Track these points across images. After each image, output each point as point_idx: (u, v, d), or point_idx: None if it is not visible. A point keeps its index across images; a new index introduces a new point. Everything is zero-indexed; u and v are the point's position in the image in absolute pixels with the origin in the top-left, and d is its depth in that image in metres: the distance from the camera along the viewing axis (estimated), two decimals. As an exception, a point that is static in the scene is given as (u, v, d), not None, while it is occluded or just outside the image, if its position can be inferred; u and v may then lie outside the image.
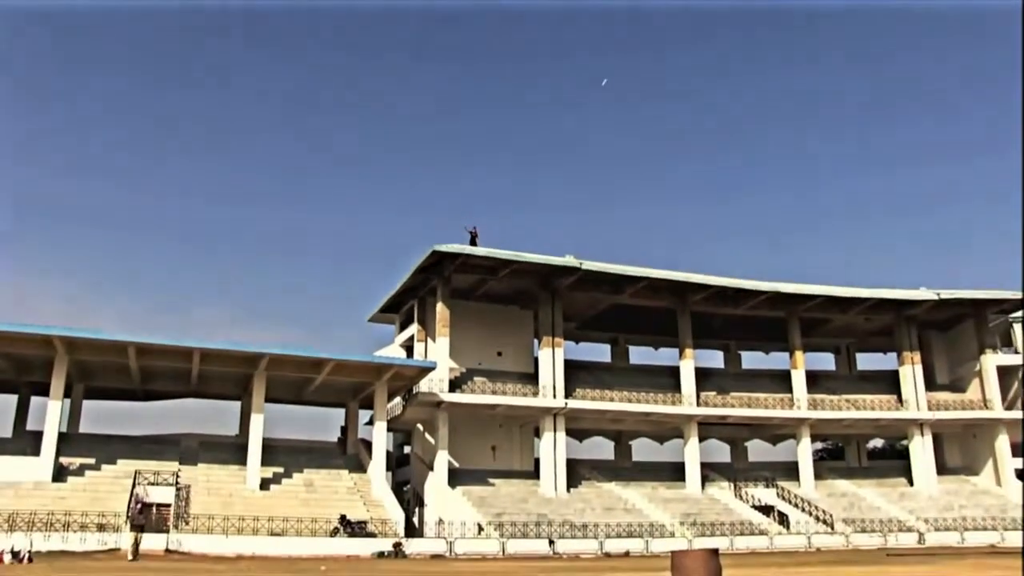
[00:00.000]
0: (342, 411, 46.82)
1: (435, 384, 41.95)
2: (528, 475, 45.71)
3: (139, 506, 32.46)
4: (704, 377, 51.01)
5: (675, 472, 48.73)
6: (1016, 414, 51.00)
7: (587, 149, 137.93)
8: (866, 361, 60.45)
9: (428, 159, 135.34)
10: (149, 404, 46.91)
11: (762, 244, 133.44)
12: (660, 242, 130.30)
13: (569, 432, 46.41)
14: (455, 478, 42.13)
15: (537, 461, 45.78)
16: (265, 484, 37.77)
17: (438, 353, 43.58)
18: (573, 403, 45.02)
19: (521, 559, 31.87)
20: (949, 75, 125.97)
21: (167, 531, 32.14)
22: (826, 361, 60.31)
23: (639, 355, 56.52)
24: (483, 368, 46.07)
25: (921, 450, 51.18)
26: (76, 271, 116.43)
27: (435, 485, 41.61)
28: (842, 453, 61.23)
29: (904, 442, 55.13)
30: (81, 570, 18.71)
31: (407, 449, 48.92)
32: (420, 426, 45.77)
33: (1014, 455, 51.07)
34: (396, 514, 37.28)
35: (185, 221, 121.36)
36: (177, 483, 36.13)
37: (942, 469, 52.41)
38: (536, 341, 48.01)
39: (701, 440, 48.99)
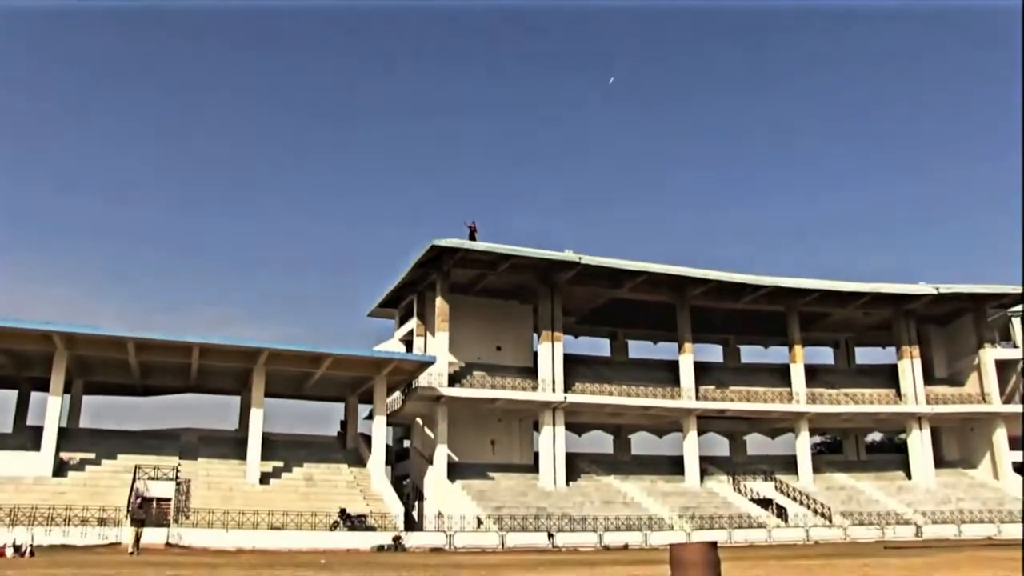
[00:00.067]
0: (342, 405, 46.91)
1: (434, 378, 42.02)
2: (527, 469, 45.82)
3: (139, 500, 32.54)
4: (703, 371, 51.11)
5: (674, 466, 48.87)
6: (1014, 408, 51.14)
7: (587, 148, 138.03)
8: (865, 355, 60.68)
9: (428, 156, 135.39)
10: (149, 399, 46.99)
11: (761, 239, 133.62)
12: (659, 237, 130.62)
13: (568, 426, 46.51)
14: (454, 472, 42.24)
15: (536, 455, 45.88)
16: (265, 478, 37.87)
17: (437, 347, 43.64)
18: (572, 397, 45.10)
19: (520, 552, 31.94)
20: (949, 75, 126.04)
21: (167, 525, 32.26)
22: (825, 355, 60.52)
23: (638, 349, 56.68)
24: (482, 362, 46.16)
25: (919, 444, 51.31)
26: (75, 279, 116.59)
27: (434, 479, 41.71)
28: (840, 447, 61.40)
29: (902, 436, 55.29)
30: (82, 564, 18.78)
31: (407, 443, 49.02)
32: (419, 420, 45.86)
33: (1012, 448, 51.21)
34: (396, 508, 37.39)
35: (185, 219, 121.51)
36: (177, 478, 36.24)
37: (940, 462, 52.56)
38: (535, 335, 48.08)
39: (700, 434, 49.11)
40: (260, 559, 23.74)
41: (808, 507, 45.67)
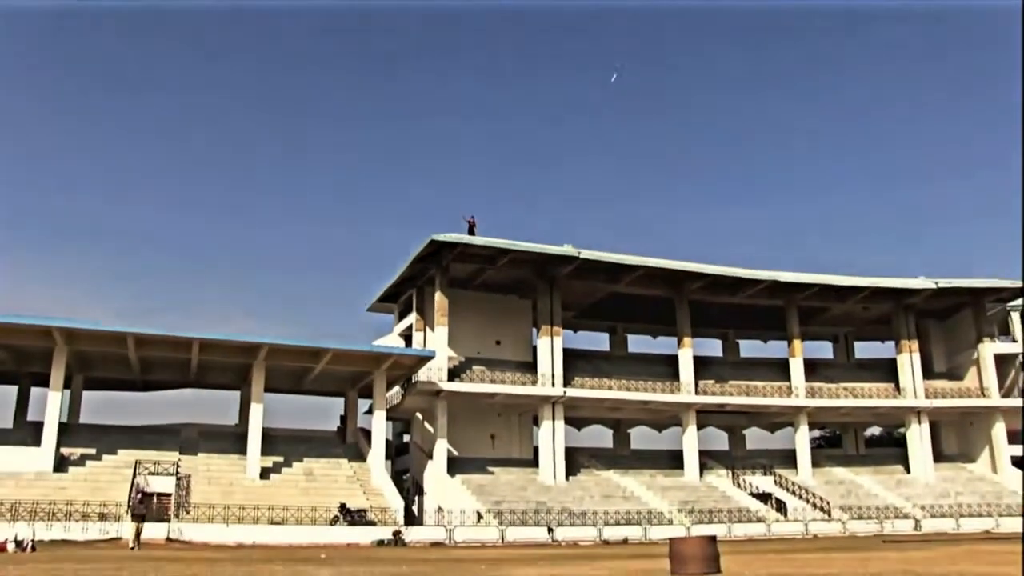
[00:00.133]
0: (341, 400, 46.97)
1: (434, 373, 42.06)
2: (527, 463, 45.90)
3: (139, 496, 32.61)
4: (702, 365, 51.16)
5: (673, 460, 48.94)
6: (1013, 402, 51.19)
7: (587, 148, 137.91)
8: (864, 349, 60.73)
9: (428, 156, 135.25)
10: (149, 394, 47.04)
11: (761, 240, 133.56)
12: (659, 238, 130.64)
13: (568, 420, 46.58)
14: (454, 466, 42.31)
15: (536, 449, 45.97)
16: (265, 473, 37.94)
17: (437, 342, 43.68)
18: (572, 391, 45.17)
19: (520, 547, 32.04)
20: (949, 75, 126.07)
21: (168, 520, 32.33)
22: (824, 349, 60.54)
23: (637, 344, 56.72)
24: (482, 357, 46.19)
25: (918, 438, 51.39)
26: (76, 279, 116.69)
27: (434, 473, 41.79)
28: (840, 441, 61.48)
29: (901, 430, 55.36)
30: (83, 559, 18.84)
31: (406, 438, 49.09)
32: (419, 415, 45.92)
33: (1010, 443, 51.30)
34: (396, 502, 37.47)
35: (184, 220, 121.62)
36: (177, 473, 36.31)
37: (939, 457, 52.65)
38: (535, 330, 48.12)
39: (699, 428, 49.17)
40: (260, 554, 23.81)
41: (807, 501, 45.78)
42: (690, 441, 48.01)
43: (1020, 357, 53.63)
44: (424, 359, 41.14)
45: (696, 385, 48.83)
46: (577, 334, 55.02)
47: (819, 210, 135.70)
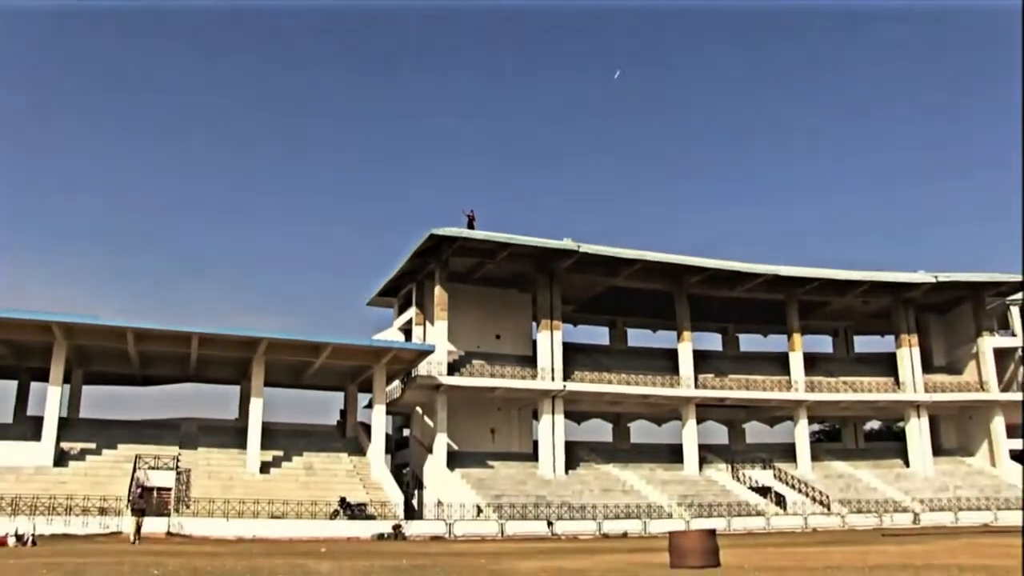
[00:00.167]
0: (341, 394, 47.00)
1: (434, 367, 42.08)
2: (527, 457, 45.95)
3: (139, 490, 32.64)
4: (702, 359, 51.20)
5: (673, 454, 49.01)
6: (1012, 396, 51.28)
7: (587, 148, 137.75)
8: (864, 344, 60.81)
9: (428, 156, 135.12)
10: (148, 389, 47.06)
11: (761, 234, 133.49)
12: (658, 236, 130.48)
13: (567, 414, 46.60)
14: (454, 460, 42.36)
15: (536, 443, 46.01)
16: (265, 467, 37.99)
17: (436, 336, 43.69)
18: (571, 386, 45.19)
19: (520, 540, 32.07)
20: (948, 75, 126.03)
21: (168, 515, 32.37)
22: (824, 344, 60.61)
23: (637, 338, 56.77)
24: (482, 351, 46.22)
25: (917, 432, 51.45)
26: (75, 278, 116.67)
27: (434, 468, 41.83)
28: (839, 435, 61.58)
29: (901, 424, 55.44)
30: (84, 553, 18.86)
31: (406, 432, 49.13)
32: (419, 409, 45.95)
33: (1009, 436, 51.37)
34: (395, 496, 37.52)
35: (184, 220, 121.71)
36: (177, 467, 36.35)
37: (938, 450, 52.74)
38: (534, 324, 48.14)
39: (699, 422, 49.24)
40: (261, 548, 23.84)
41: (806, 495, 45.84)
42: (690, 435, 48.06)
43: (1020, 351, 53.66)
44: (424, 353, 41.16)
45: (696, 379, 48.87)
46: (577, 328, 55.15)
47: (819, 210, 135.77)
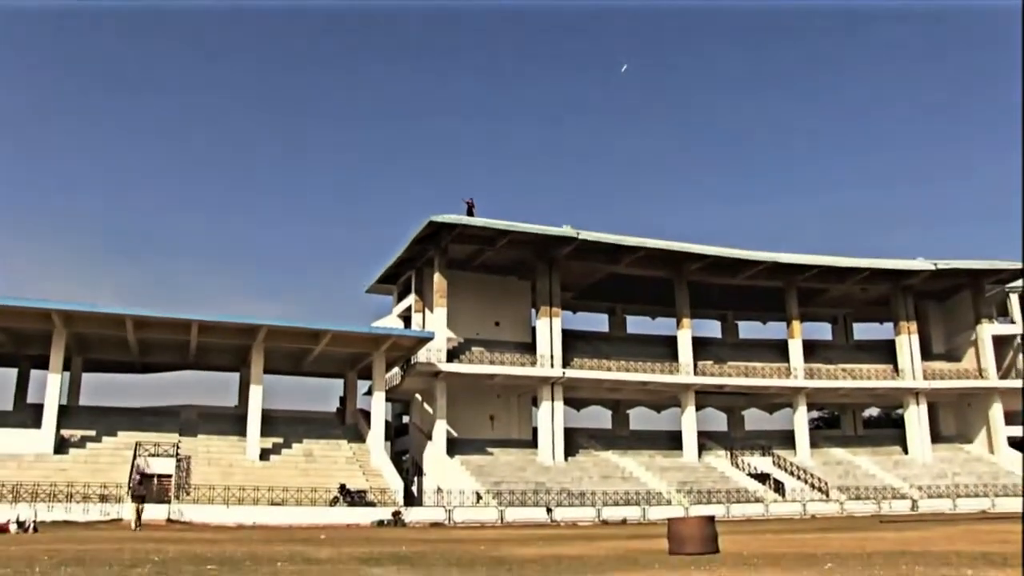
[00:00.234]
0: (341, 382, 47.05)
1: (433, 354, 42.10)
2: (526, 444, 46.04)
3: (139, 477, 32.73)
4: (701, 346, 51.24)
5: (672, 441, 49.11)
6: (1011, 383, 51.34)
7: (587, 148, 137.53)
8: (863, 331, 60.86)
9: (428, 156, 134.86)
10: (148, 376, 47.09)
11: (760, 230, 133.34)
12: (656, 226, 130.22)
13: (567, 401, 46.67)
14: (453, 447, 42.44)
15: (535, 430, 46.09)
16: (265, 454, 38.05)
17: (436, 323, 43.70)
18: (571, 372, 45.23)
19: (519, 527, 32.16)
20: (948, 75, 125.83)
21: (168, 501, 32.45)
22: (823, 331, 60.65)
23: (636, 325, 56.80)
24: (481, 338, 46.24)
25: (916, 419, 51.56)
26: (73, 277, 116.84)
27: (434, 454, 41.92)
28: (838, 422, 61.71)
29: (899, 411, 55.55)
30: (85, 540, 18.91)
31: (406, 419, 49.20)
32: (418, 396, 46.01)
33: (1008, 424, 51.46)
34: (395, 483, 37.61)
35: (184, 219, 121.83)
36: (177, 454, 36.41)
37: (936, 437, 52.85)
38: (534, 311, 48.14)
39: (698, 409, 49.32)
40: (261, 534, 23.92)
41: (805, 482, 45.97)
42: (689, 422, 48.15)
43: (1018, 338, 53.70)
44: (423, 340, 41.17)
45: (695, 366, 48.91)
46: (576, 315, 55.16)
47: (818, 208, 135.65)
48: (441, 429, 42.27)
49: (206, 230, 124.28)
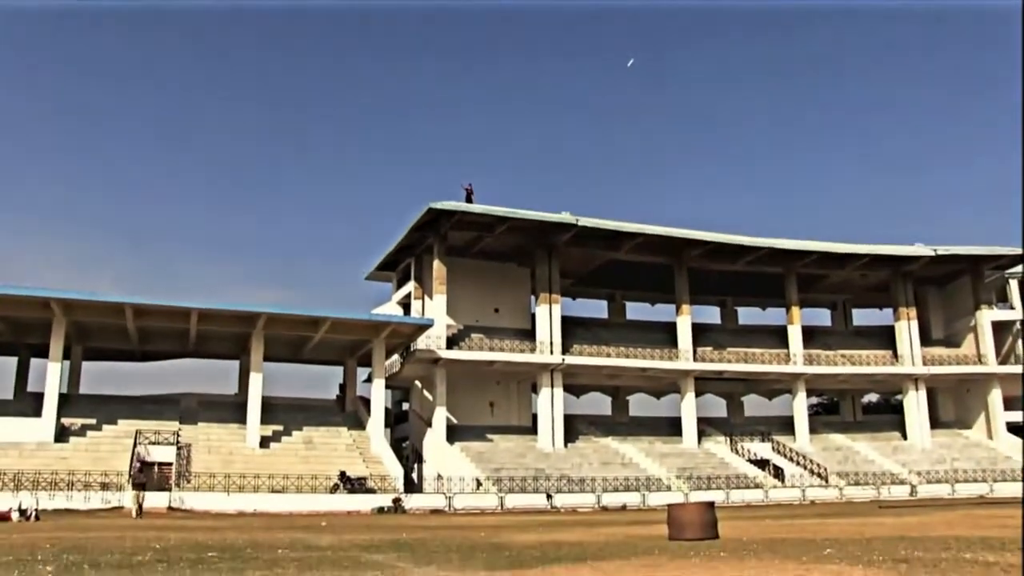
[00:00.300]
0: (340, 369, 47.09)
1: (432, 341, 42.11)
2: (526, 431, 46.12)
3: (140, 465, 32.79)
4: (701, 333, 51.26)
5: (672, 427, 49.21)
6: (1010, 369, 51.42)
7: (588, 147, 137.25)
8: (862, 317, 60.93)
9: (428, 152, 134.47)
10: (148, 364, 47.13)
11: (760, 200, 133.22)
12: (657, 199, 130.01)
13: (566, 388, 46.73)
14: (453, 434, 42.52)
15: (535, 417, 46.16)
16: (265, 442, 38.11)
17: (435, 310, 43.69)
18: (570, 359, 45.26)
19: (519, 513, 32.26)
20: (949, 75, 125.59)
21: (169, 489, 32.52)
22: (822, 317, 60.71)
23: (636, 311, 56.83)
24: (480, 325, 46.24)
25: (915, 404, 51.65)
26: (72, 277, 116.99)
27: (434, 441, 42.00)
28: (837, 407, 61.80)
29: (898, 397, 55.65)
30: (87, 528, 18.97)
31: (405, 406, 49.28)
32: (418, 383, 46.05)
33: (1007, 409, 51.56)
34: (395, 470, 37.69)
35: (184, 218, 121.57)
36: (178, 442, 36.47)
37: (935, 423, 52.96)
38: (533, 298, 48.13)
39: (697, 395, 49.39)
40: (261, 522, 23.98)
41: (804, 467, 46.09)
42: (688, 408, 48.22)
43: (1018, 324, 53.74)
44: (422, 327, 41.17)
45: (694, 352, 48.95)
46: (576, 302, 55.16)
47: (818, 206, 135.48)
48: (441, 416, 42.33)
49: (205, 219, 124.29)
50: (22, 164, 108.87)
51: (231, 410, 40.40)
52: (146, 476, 30.55)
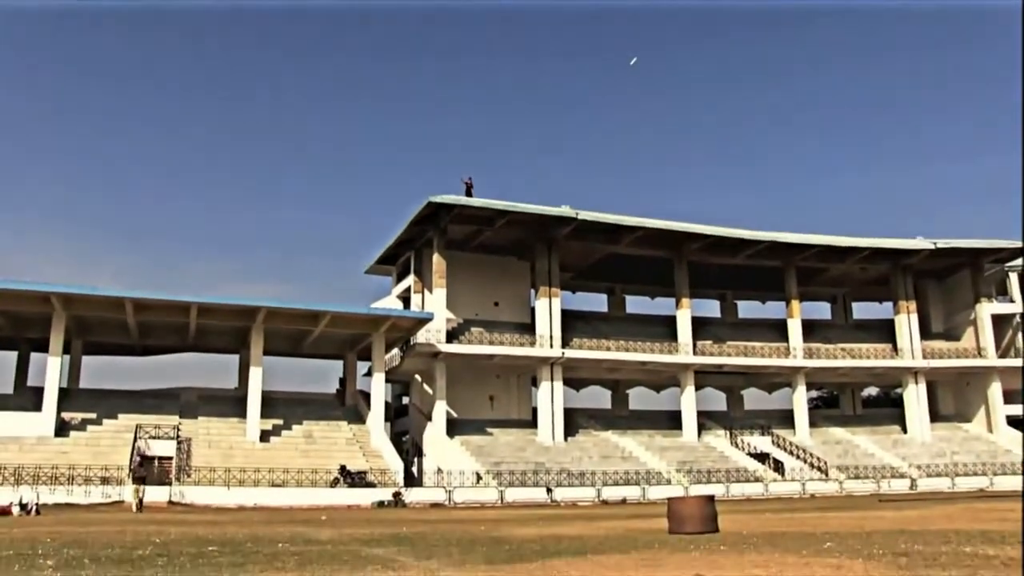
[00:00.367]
0: (340, 363, 47.08)
1: (432, 335, 42.09)
2: (526, 424, 46.14)
3: (140, 459, 32.80)
4: (701, 326, 51.24)
5: (672, 420, 49.22)
6: (1009, 362, 51.39)
7: (587, 146, 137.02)
8: (862, 310, 60.90)
9: (427, 150, 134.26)
10: (148, 359, 47.13)
11: (760, 193, 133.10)
12: (657, 193, 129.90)
13: (566, 381, 46.75)
14: (453, 428, 42.53)
15: (535, 410, 46.18)
16: (265, 436, 38.12)
17: (435, 304, 43.66)
18: (570, 353, 45.25)
19: (519, 507, 32.30)
20: (949, 75, 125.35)
21: (169, 483, 32.54)
22: (822, 310, 60.73)
23: (636, 305, 56.80)
24: (480, 319, 46.22)
25: (915, 398, 51.66)
26: (71, 276, 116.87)
27: (434, 435, 42.01)
28: (837, 401, 61.82)
29: (898, 390, 55.64)
30: (88, 522, 18.99)
31: (405, 400, 49.31)
32: (418, 377, 46.04)
33: (1007, 402, 51.58)
34: (395, 464, 37.71)
35: (185, 217, 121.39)
36: (178, 436, 36.47)
37: (935, 416, 52.99)
38: (533, 291, 48.09)
39: (697, 389, 49.38)
40: (261, 516, 24.01)
41: (804, 461, 46.12)
42: (688, 401, 48.23)
43: (1018, 317, 53.72)
44: (422, 321, 41.14)
45: (694, 346, 48.94)
46: (575, 295, 55.12)
47: (818, 201, 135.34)
48: (441, 410, 42.35)
49: (205, 215, 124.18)
50: (22, 164, 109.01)
51: (231, 404, 40.40)
52: (146, 470, 30.63)
